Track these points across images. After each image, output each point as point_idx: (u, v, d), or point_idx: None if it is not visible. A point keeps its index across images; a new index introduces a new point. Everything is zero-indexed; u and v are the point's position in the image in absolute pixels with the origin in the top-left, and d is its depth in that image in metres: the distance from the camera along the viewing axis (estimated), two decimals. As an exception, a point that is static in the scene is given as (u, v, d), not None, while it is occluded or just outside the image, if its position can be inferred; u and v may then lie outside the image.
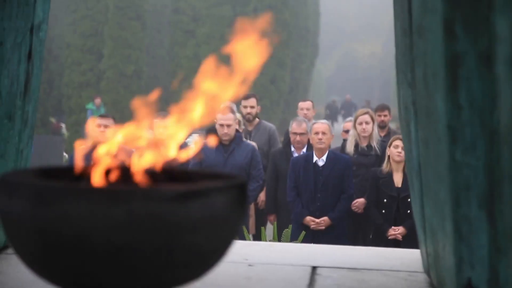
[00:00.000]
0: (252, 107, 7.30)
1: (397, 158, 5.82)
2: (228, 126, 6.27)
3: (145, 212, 1.43)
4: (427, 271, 2.37)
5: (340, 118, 30.91)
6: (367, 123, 6.64)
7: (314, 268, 2.49)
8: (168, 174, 1.78)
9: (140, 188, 1.50)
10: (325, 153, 6.02)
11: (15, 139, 2.60)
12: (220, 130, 6.29)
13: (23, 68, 2.56)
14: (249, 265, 2.50)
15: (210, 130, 7.22)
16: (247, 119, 7.30)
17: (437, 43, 1.72)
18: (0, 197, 1.53)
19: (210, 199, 1.49)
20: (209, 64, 1.76)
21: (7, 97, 2.45)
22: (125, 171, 1.67)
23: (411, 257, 2.73)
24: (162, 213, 1.44)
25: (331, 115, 27.06)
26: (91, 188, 1.46)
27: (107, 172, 1.66)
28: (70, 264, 1.46)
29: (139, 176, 1.65)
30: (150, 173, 1.71)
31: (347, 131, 7.27)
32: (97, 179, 1.63)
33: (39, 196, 1.43)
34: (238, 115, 6.98)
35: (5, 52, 2.38)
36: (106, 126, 6.05)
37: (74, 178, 1.72)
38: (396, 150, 5.83)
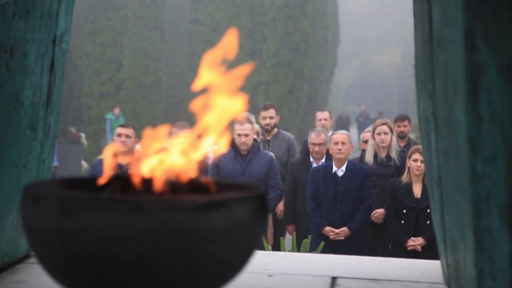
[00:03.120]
0: (271, 117, 7.31)
1: (416, 172, 5.80)
2: (246, 135, 6.29)
3: (167, 222, 1.44)
4: (447, 282, 2.37)
5: (352, 130, 30.67)
6: (385, 133, 6.63)
7: (334, 279, 2.49)
8: (189, 185, 1.79)
9: (162, 199, 1.51)
10: (344, 163, 6.02)
11: (37, 150, 2.62)
12: (238, 140, 6.31)
13: (46, 79, 2.59)
14: (269, 276, 2.51)
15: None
16: (266, 129, 7.31)
17: (457, 54, 1.72)
18: (24, 208, 1.55)
19: (231, 210, 1.50)
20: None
21: (30, 108, 2.48)
22: (147, 181, 1.68)
23: (431, 268, 2.72)
24: (183, 224, 1.45)
25: (342, 126, 26.86)
26: (113, 199, 1.48)
27: (129, 183, 1.67)
28: (92, 272, 1.48)
29: (160, 187, 1.66)
30: (171, 183, 1.72)
31: (366, 141, 7.26)
32: (121, 189, 1.64)
33: (63, 206, 1.45)
34: (256, 126, 7.00)
35: (28, 64, 2.41)
36: (127, 136, 6.08)
37: (96, 189, 1.74)
38: (415, 163, 5.81)
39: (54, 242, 1.48)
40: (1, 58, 2.20)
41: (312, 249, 5.34)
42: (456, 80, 1.77)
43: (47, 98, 2.63)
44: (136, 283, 1.49)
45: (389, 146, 6.64)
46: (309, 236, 5.44)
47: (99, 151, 19.50)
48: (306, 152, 6.85)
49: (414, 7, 2.40)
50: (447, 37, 1.84)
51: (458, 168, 1.85)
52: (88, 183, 1.74)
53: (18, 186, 2.46)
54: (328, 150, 6.41)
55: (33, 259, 2.65)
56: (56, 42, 2.63)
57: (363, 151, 7.02)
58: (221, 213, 1.48)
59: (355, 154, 7.58)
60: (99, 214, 1.43)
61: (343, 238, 5.89)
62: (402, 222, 5.87)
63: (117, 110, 18.94)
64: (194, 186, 1.78)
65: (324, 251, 5.20)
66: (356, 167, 6.08)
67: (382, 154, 6.63)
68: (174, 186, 1.73)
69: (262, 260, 2.72)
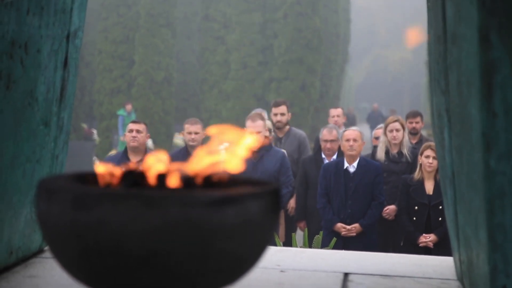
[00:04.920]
0: (282, 114, 7.31)
1: (429, 169, 5.79)
2: (258, 133, 6.29)
3: (181, 217, 1.44)
4: (460, 279, 2.36)
5: (362, 128, 30.37)
6: (397, 130, 6.62)
7: (346, 275, 2.49)
8: (202, 180, 1.79)
9: (176, 194, 1.51)
10: (356, 160, 6.01)
11: (50, 145, 2.64)
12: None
13: (59, 75, 2.60)
14: (281, 271, 2.51)
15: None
16: (278, 126, 7.32)
17: (471, 51, 1.72)
18: (39, 202, 1.56)
19: (245, 205, 1.51)
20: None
21: (43, 103, 2.49)
22: (161, 176, 1.69)
23: (444, 264, 2.72)
24: (197, 219, 1.45)
25: (349, 124, 26.56)
26: (128, 193, 1.48)
27: (144, 177, 1.68)
28: (106, 267, 1.48)
29: (174, 182, 1.67)
30: (185, 178, 1.73)
31: (378, 138, 7.26)
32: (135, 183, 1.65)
33: (78, 200, 1.46)
34: (268, 123, 7.00)
35: (42, 59, 2.42)
36: (138, 131, 6.10)
37: (109, 184, 1.74)
38: (427, 160, 5.80)
39: (68, 236, 1.49)
40: (16, 53, 2.22)
41: (324, 245, 5.34)
42: (470, 77, 1.76)
43: (60, 94, 2.64)
44: (149, 278, 1.49)
45: (401, 142, 6.63)
46: (321, 232, 5.44)
47: (111, 147, 19.58)
48: (318, 149, 6.85)
49: (428, 4, 2.39)
50: (461, 34, 1.84)
51: (471, 164, 1.85)
52: (102, 178, 1.75)
53: (31, 181, 2.48)
54: (339, 147, 6.42)
55: (46, 254, 2.66)
56: (69, 38, 2.64)
57: (375, 147, 7.02)
58: (235, 208, 1.48)
59: (367, 151, 7.57)
60: (113, 209, 1.44)
61: (354, 234, 5.89)
62: (414, 218, 5.87)
63: (129, 107, 18.99)
64: (207, 181, 1.79)
65: (336, 247, 5.20)
66: (368, 163, 6.08)
67: (394, 151, 6.63)
68: (188, 181, 1.74)
69: (274, 256, 2.72)
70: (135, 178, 1.72)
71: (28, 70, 2.32)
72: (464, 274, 2.24)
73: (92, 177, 1.80)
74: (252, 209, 1.52)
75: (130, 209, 1.43)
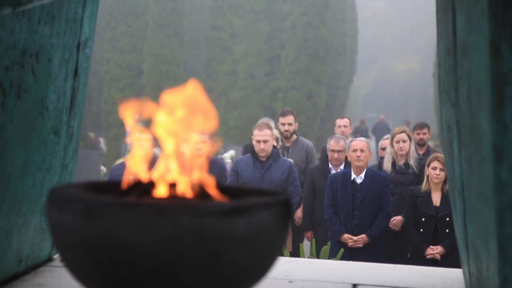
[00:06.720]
0: (289, 124, 7.32)
1: (436, 180, 5.78)
2: (265, 142, 6.29)
3: (191, 227, 1.45)
4: (469, 291, 2.36)
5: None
6: (404, 141, 6.62)
7: (354, 286, 2.49)
8: (210, 189, 1.79)
9: (187, 204, 1.52)
10: (363, 171, 6.01)
11: (60, 154, 2.64)
12: (257, 146, 6.31)
13: (70, 84, 2.61)
14: (290, 282, 2.51)
15: (248, 146, 7.25)
16: (285, 136, 7.32)
17: (482, 63, 1.72)
18: (50, 211, 1.56)
19: (255, 215, 1.51)
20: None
21: (53, 112, 2.50)
22: (171, 185, 1.69)
23: (452, 276, 2.71)
24: (208, 228, 1.46)
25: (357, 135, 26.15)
26: (138, 203, 1.49)
27: (154, 187, 1.68)
28: (117, 276, 1.49)
29: (185, 191, 1.67)
30: (194, 187, 1.73)
31: (384, 149, 7.25)
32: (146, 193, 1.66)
33: (90, 209, 1.46)
34: (276, 132, 7.01)
35: (53, 68, 2.43)
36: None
37: (120, 193, 1.75)
38: (434, 171, 5.80)
39: (79, 245, 1.49)
40: (27, 62, 2.23)
41: (331, 256, 5.33)
42: (481, 89, 1.76)
43: (70, 103, 2.65)
44: (160, 286, 1.49)
45: (407, 153, 6.63)
46: (329, 243, 5.44)
47: (119, 156, 19.60)
48: (325, 159, 6.85)
49: (438, 16, 2.40)
50: (471, 46, 1.84)
51: (481, 176, 1.85)
52: (113, 187, 1.76)
53: (41, 189, 2.48)
54: (346, 157, 6.42)
55: (55, 262, 2.67)
56: (80, 47, 2.65)
57: (382, 158, 7.02)
58: (246, 219, 1.49)
59: (372, 162, 7.57)
60: (124, 218, 1.44)
61: (361, 245, 5.88)
62: (421, 230, 5.85)
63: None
64: (217, 190, 1.79)
65: (342, 258, 5.19)
66: (375, 174, 6.07)
67: (401, 162, 6.62)
68: (197, 190, 1.74)
69: (283, 266, 2.72)
70: (145, 187, 1.73)
71: (39, 79, 2.33)
72: (473, 286, 2.23)
73: (102, 186, 1.81)
74: (263, 220, 1.52)
75: (141, 218, 1.43)
